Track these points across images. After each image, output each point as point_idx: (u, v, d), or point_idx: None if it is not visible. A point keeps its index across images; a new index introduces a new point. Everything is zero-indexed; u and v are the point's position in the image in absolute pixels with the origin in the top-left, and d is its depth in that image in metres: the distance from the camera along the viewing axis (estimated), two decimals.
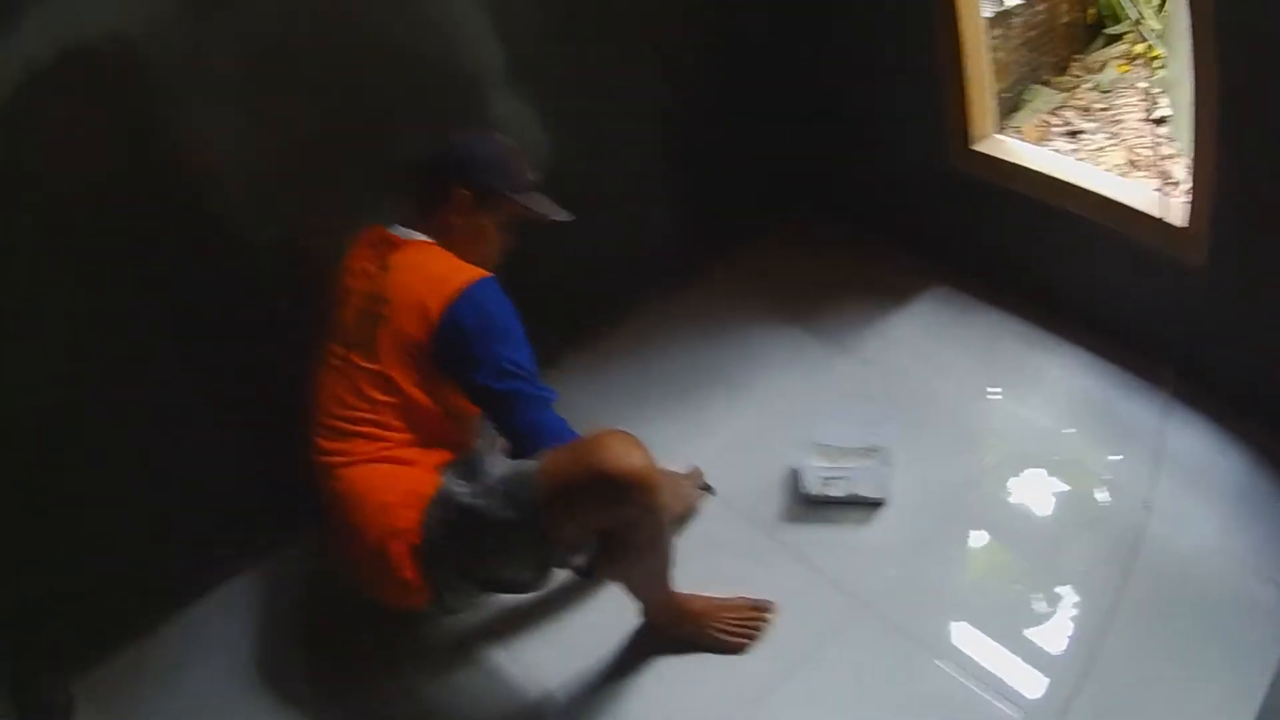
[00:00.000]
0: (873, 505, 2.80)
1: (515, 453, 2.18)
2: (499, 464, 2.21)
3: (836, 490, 2.79)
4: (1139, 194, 3.15)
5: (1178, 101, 3.91)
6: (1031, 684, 2.34)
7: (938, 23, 3.21)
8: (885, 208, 3.87)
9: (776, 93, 3.77)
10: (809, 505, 2.82)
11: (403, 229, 2.37)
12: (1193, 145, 2.75)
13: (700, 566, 2.55)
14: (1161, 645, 2.37)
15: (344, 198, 2.72)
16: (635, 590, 2.40)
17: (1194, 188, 2.80)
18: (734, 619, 2.51)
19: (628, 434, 2.05)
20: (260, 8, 2.46)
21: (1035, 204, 3.30)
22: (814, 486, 2.80)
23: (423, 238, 2.34)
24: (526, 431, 2.15)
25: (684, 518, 2.80)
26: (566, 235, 2.55)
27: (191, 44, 2.38)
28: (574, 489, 2.00)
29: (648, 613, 2.49)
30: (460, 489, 2.13)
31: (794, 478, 2.88)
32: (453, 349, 2.16)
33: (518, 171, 2.44)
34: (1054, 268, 3.40)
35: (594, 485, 1.98)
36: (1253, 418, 2.89)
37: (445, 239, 2.35)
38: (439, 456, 2.25)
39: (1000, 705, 2.30)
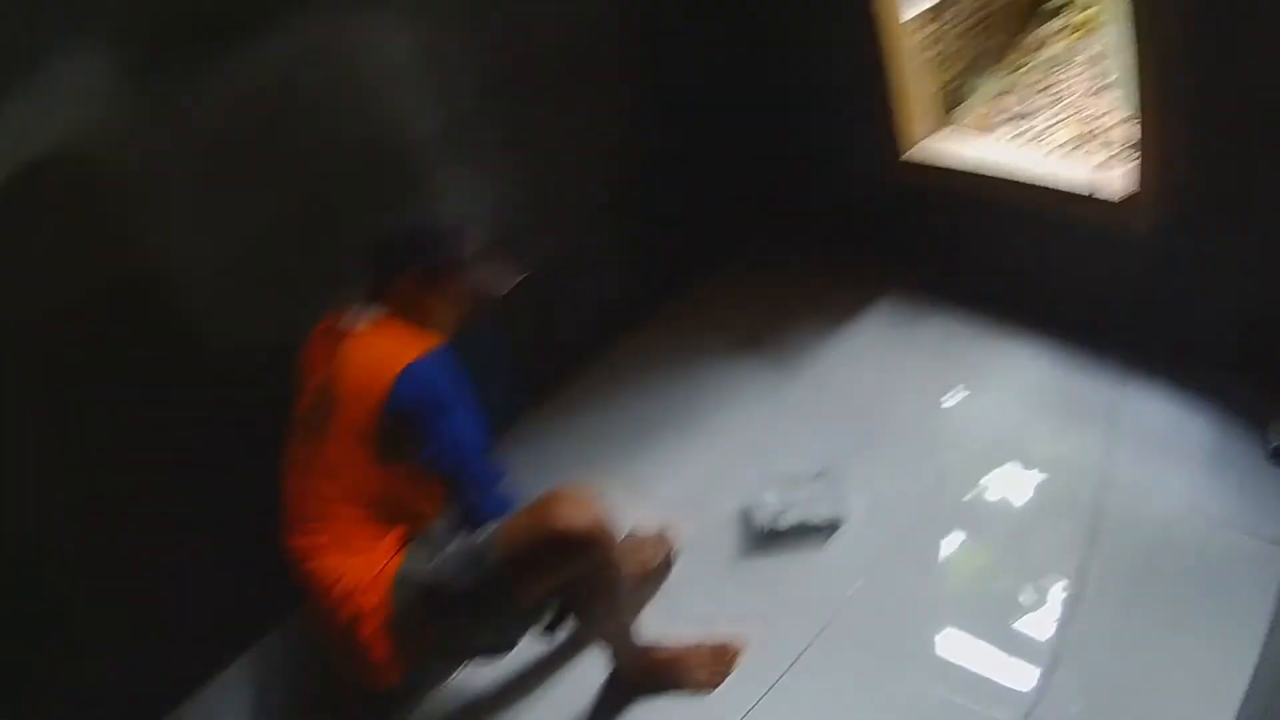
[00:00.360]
0: (830, 528, 2.83)
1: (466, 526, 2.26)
2: (458, 535, 2.28)
3: (788, 520, 2.83)
4: (1079, 173, 3.17)
5: (1120, 67, 3.90)
6: (1021, 677, 2.37)
7: (860, 40, 3.28)
8: (831, 228, 3.94)
9: (716, 130, 3.84)
10: (765, 538, 2.85)
11: (355, 313, 2.43)
12: (1138, 110, 2.78)
13: (665, 609, 2.64)
14: (1153, 614, 2.41)
15: (307, 287, 2.76)
16: (603, 642, 2.46)
17: (1142, 152, 2.83)
18: (702, 660, 2.55)
19: (577, 491, 2.16)
20: (208, 107, 2.53)
21: (974, 201, 3.38)
22: (766, 521, 2.84)
23: (374, 319, 2.40)
24: (472, 512, 2.23)
25: (659, 574, 2.84)
26: (521, 293, 2.59)
27: (145, 150, 2.45)
28: (530, 550, 2.09)
29: (618, 663, 2.54)
30: (420, 565, 2.21)
31: (747, 515, 2.91)
32: (399, 430, 2.21)
33: (463, 244, 2.50)
34: (999, 261, 3.44)
35: (549, 544, 2.08)
36: (1216, 377, 2.93)
37: (399, 317, 2.40)
38: (399, 535, 2.31)
39: (989, 706, 2.34)
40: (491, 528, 2.15)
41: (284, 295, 2.75)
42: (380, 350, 2.30)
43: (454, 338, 2.43)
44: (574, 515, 2.08)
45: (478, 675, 2.70)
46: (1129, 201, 2.92)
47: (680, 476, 3.13)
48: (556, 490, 2.15)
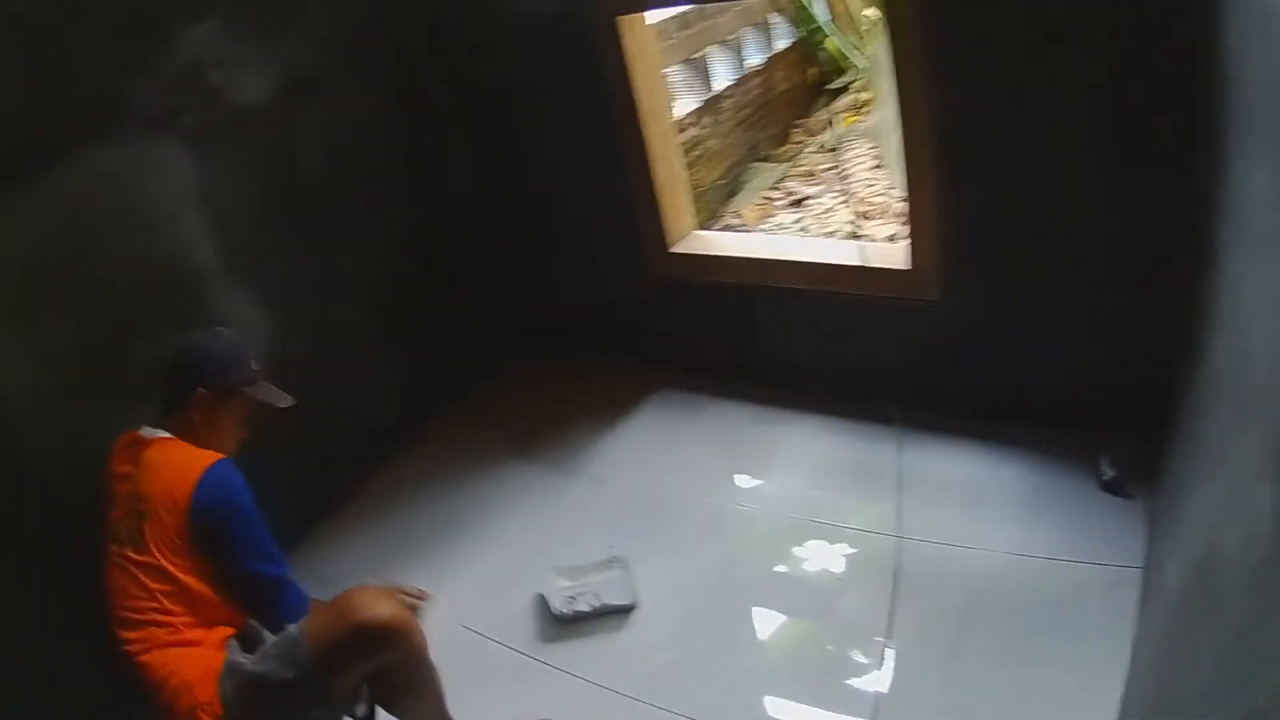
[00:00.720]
0: (624, 611, 2.89)
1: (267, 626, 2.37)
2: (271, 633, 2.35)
3: (584, 605, 2.88)
4: (850, 252, 3.32)
5: (888, 144, 4.10)
6: None
7: (625, 139, 3.42)
8: (601, 329, 4.06)
9: (487, 241, 3.99)
10: (562, 625, 2.89)
11: (150, 430, 2.50)
12: (906, 184, 2.93)
13: (472, 698, 2.60)
14: (1008, 654, 2.50)
15: (106, 402, 2.76)
16: None
17: (912, 225, 2.98)
18: None
19: (376, 587, 2.30)
20: (12, 235, 2.57)
21: (742, 289, 3.50)
22: (562, 606, 2.88)
23: (168, 435, 2.48)
24: (272, 611, 2.35)
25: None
26: (300, 413, 2.65)
27: None
28: (337, 644, 2.20)
29: None
30: (243, 659, 2.27)
31: (541, 603, 2.96)
32: (204, 530, 2.31)
33: (247, 365, 2.61)
34: (774, 344, 3.57)
35: (353, 637, 2.19)
36: (1020, 428, 3.08)
37: (188, 434, 2.49)
38: (221, 633, 2.36)
39: None
40: (301, 624, 2.25)
41: (95, 409, 2.75)
42: (179, 459, 2.41)
43: (235, 455, 2.51)
44: (375, 608, 2.21)
45: None
46: (905, 275, 3.08)
47: (468, 577, 3.14)
48: (358, 587, 2.27)
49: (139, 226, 2.88)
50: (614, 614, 2.90)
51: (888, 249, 3.14)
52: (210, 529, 2.31)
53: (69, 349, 2.76)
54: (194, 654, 2.28)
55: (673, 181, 3.55)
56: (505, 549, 3.28)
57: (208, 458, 2.39)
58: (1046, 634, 2.52)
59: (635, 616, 2.90)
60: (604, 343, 4.05)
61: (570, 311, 4.13)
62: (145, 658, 2.27)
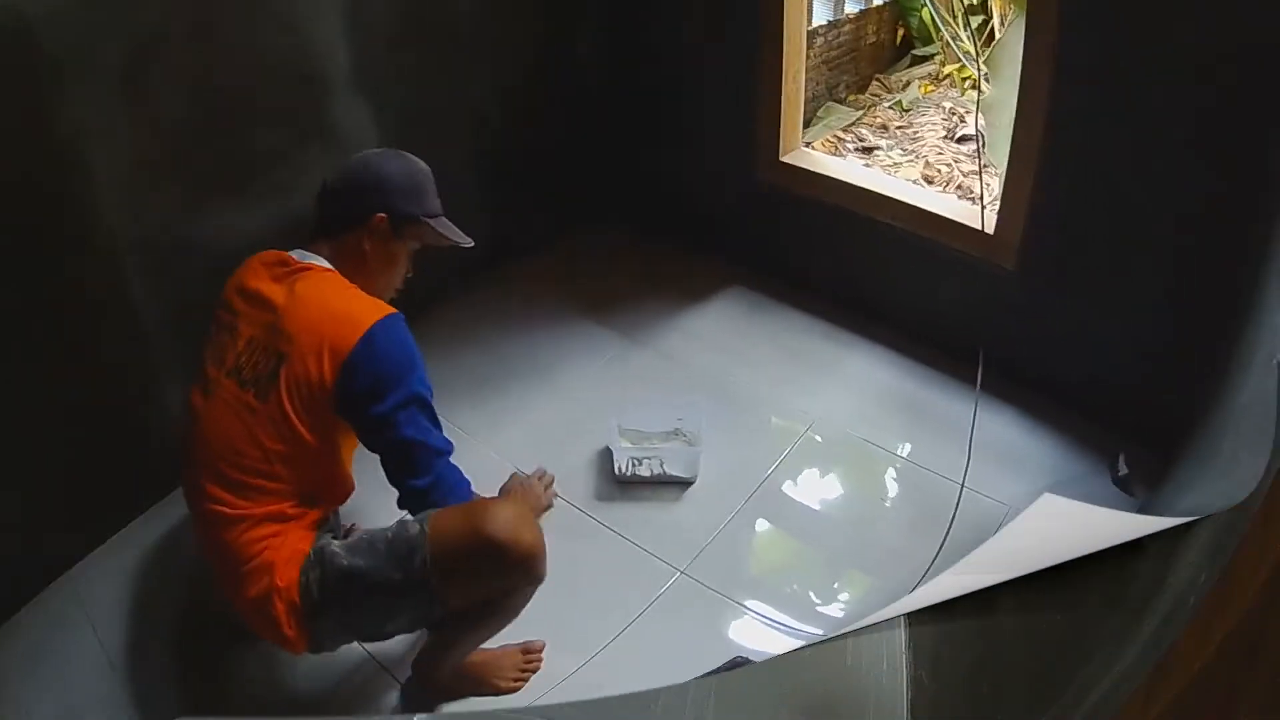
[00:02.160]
0: (683, 484, 2.90)
1: (405, 504, 2.12)
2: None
3: (647, 470, 2.88)
4: (949, 204, 3.36)
5: (996, 121, 4.15)
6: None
7: (763, 41, 3.39)
8: (687, 216, 4.04)
9: (596, 112, 3.95)
10: (621, 485, 2.90)
11: (303, 253, 2.26)
12: (1009, 160, 2.97)
13: None
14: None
15: (207, 193, 2.70)
16: (455, 648, 2.31)
17: (1005, 199, 3.03)
18: (509, 665, 2.45)
19: (518, 505, 2.11)
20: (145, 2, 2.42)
21: (841, 212, 3.49)
22: (626, 467, 2.88)
23: (324, 263, 2.24)
24: (424, 484, 2.08)
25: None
26: None
27: (81, 31, 2.30)
28: (464, 557, 1.98)
29: (428, 671, 2.38)
30: (336, 548, 2.08)
31: (606, 459, 2.96)
32: (356, 391, 2.06)
33: (430, 196, 2.36)
34: (856, 271, 3.59)
35: (485, 555, 1.97)
36: (1060, 407, 3.15)
37: (352, 264, 2.27)
38: (316, 513, 2.19)
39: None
40: (425, 523, 2.02)
41: (187, 195, 2.67)
42: (340, 304, 2.15)
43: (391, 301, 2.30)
44: (518, 531, 1.98)
45: None
46: (988, 239, 3.11)
47: (531, 423, 3.11)
48: (500, 501, 2.09)
49: (273, 17, 2.75)
50: (672, 485, 2.91)
51: (976, 211, 3.15)
52: (364, 392, 2.05)
53: (179, 131, 2.61)
54: (286, 531, 2.10)
55: (795, 96, 3.55)
56: (568, 400, 3.27)
57: (376, 312, 2.11)
58: None
59: (689, 493, 2.90)
60: (689, 231, 4.03)
61: (663, 194, 4.09)
62: (235, 527, 2.07)
